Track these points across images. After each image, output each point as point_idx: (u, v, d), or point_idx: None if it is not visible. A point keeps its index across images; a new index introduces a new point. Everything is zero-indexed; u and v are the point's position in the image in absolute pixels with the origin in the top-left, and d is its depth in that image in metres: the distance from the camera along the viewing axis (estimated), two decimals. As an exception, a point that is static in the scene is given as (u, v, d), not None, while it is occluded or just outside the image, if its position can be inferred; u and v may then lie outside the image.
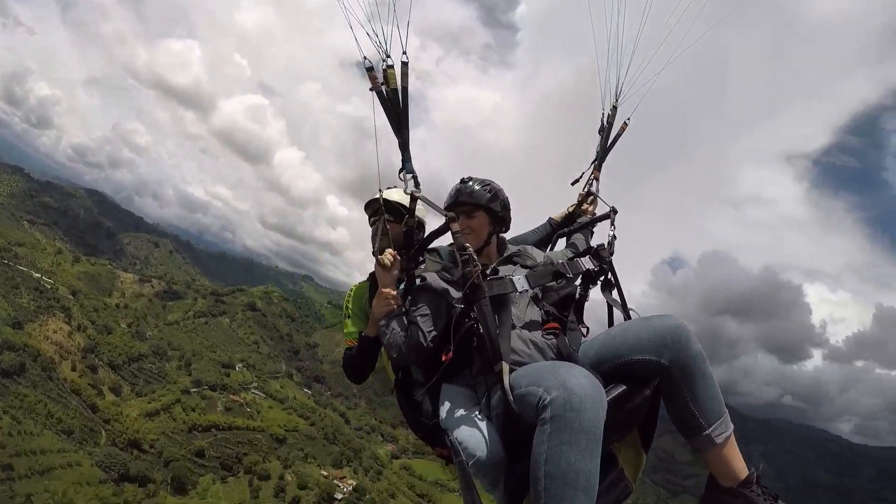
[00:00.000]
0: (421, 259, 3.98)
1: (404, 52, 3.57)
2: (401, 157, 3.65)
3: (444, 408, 3.48)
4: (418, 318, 3.68)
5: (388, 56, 3.56)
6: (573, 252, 4.45)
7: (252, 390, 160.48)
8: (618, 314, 3.92)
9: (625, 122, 5.19)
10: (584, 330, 3.78)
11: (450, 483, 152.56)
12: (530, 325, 3.63)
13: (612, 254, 4.04)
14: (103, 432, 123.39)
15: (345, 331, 4.27)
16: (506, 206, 4.14)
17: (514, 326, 3.51)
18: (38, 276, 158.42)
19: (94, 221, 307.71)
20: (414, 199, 3.70)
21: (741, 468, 3.20)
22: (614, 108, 5.08)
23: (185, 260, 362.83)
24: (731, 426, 3.23)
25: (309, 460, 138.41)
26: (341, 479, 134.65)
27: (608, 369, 3.24)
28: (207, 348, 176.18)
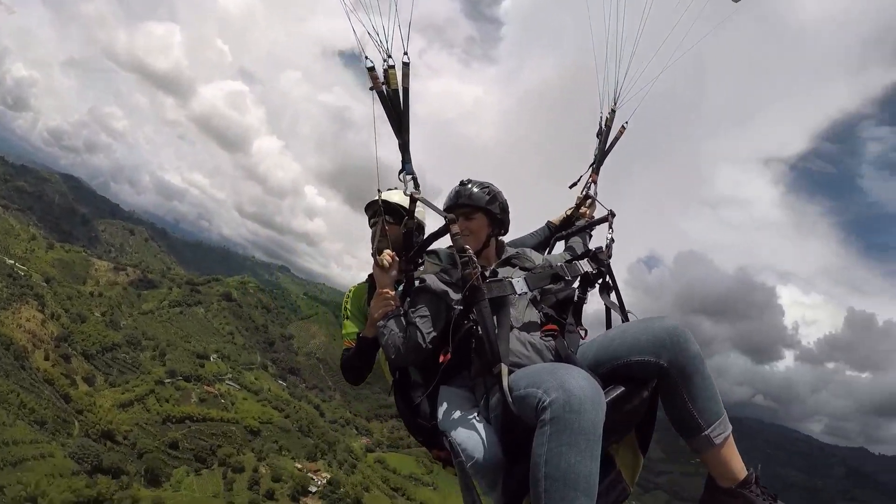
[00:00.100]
0: (420, 261, 4.01)
1: (406, 53, 3.58)
2: (401, 159, 3.67)
3: (443, 409, 3.50)
4: (417, 319, 3.69)
5: (390, 56, 3.56)
6: (571, 255, 4.51)
7: (226, 381, 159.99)
8: (616, 317, 3.97)
9: (623, 126, 5.25)
10: (582, 332, 3.79)
11: (423, 477, 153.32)
12: (529, 327, 3.65)
13: (610, 257, 4.09)
14: (76, 423, 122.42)
15: (343, 331, 4.25)
16: (504, 209, 4.18)
17: (512, 328, 3.52)
18: (12, 262, 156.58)
19: (69, 207, 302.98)
20: (413, 200, 3.72)
21: (740, 468, 3.23)
22: (613, 111, 5.13)
23: (160, 248, 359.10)
24: (730, 426, 3.25)
25: (283, 453, 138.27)
26: (315, 472, 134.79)
27: (606, 371, 3.27)
28: (182, 338, 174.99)
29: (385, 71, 3.54)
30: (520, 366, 3.28)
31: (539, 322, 3.71)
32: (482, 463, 3.14)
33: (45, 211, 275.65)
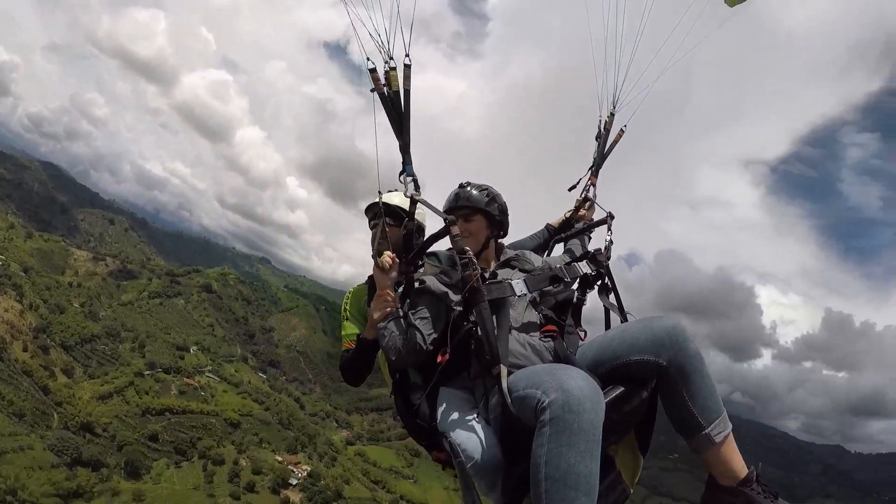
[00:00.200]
0: (420, 262, 4.01)
1: (407, 55, 3.58)
2: (401, 160, 3.67)
3: (442, 410, 3.51)
4: (418, 321, 3.69)
5: (391, 58, 3.56)
6: (570, 257, 4.54)
7: (206, 374, 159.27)
8: (615, 318, 3.98)
9: (621, 129, 5.25)
10: (581, 333, 3.80)
11: (404, 470, 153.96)
12: (528, 328, 3.66)
13: (609, 258, 4.10)
14: (55, 415, 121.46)
15: (343, 333, 4.22)
16: (504, 211, 4.20)
17: (511, 329, 3.54)
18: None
19: (48, 195, 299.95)
20: (414, 202, 3.73)
21: (741, 467, 3.23)
22: (612, 114, 5.14)
23: (140, 238, 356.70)
24: (730, 425, 3.26)
25: (263, 445, 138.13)
26: (296, 464, 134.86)
27: (606, 371, 3.27)
28: (162, 330, 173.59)
29: (386, 72, 3.57)
30: (519, 367, 3.31)
31: (538, 323, 3.73)
32: (482, 464, 3.17)
33: (24, 199, 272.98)
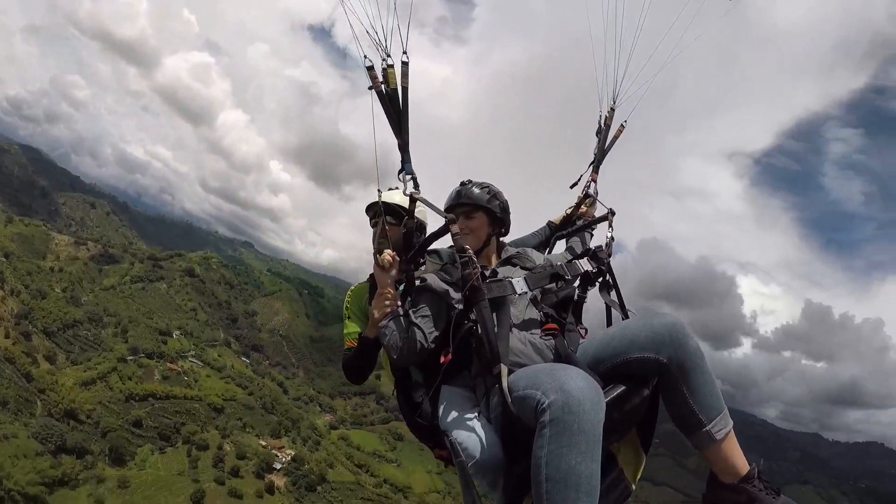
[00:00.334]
0: (421, 261, 4.00)
1: (405, 52, 3.55)
2: (400, 159, 3.64)
3: (443, 409, 3.50)
4: (419, 319, 3.69)
5: (389, 55, 3.53)
6: (571, 254, 4.51)
7: (190, 359, 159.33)
8: (616, 315, 3.96)
9: (622, 125, 5.22)
10: (582, 331, 3.80)
11: (387, 454, 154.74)
12: (529, 326, 3.64)
13: (610, 255, 4.07)
14: (38, 402, 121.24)
15: (345, 331, 4.21)
16: (505, 209, 4.19)
17: (512, 327, 3.52)
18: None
19: (28, 179, 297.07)
20: (413, 200, 3.70)
21: (742, 464, 3.21)
22: (612, 109, 5.10)
23: (122, 222, 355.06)
24: (731, 422, 3.24)
25: (247, 430, 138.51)
26: (280, 448, 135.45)
27: (607, 369, 3.25)
28: (144, 315, 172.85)
29: (384, 70, 3.54)
30: (520, 365, 3.30)
31: (539, 321, 3.71)
32: (482, 463, 3.17)
33: (4, 183, 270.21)
